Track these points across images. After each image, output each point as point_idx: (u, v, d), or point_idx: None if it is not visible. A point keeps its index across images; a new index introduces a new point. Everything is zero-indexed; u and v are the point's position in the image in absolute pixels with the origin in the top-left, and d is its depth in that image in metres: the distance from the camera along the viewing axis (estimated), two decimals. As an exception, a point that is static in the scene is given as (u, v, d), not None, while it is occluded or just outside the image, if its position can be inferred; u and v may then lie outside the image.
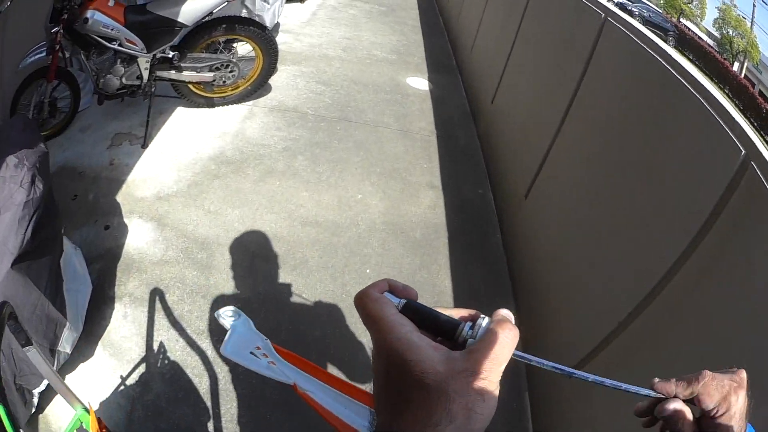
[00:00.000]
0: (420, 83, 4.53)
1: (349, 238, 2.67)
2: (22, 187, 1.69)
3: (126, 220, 2.61)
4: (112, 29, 2.94)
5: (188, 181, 2.92)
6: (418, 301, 0.43)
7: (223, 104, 3.63)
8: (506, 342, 0.39)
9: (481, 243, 2.87)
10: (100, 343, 1.97)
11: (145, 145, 3.19)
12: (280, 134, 3.45)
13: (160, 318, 2.10)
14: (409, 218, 2.88)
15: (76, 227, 2.52)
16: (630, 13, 16.90)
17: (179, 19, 3.02)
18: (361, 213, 2.83)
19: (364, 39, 5.35)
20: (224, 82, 3.45)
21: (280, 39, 4.96)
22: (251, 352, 0.86)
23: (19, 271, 1.53)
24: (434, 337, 0.41)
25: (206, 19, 3.12)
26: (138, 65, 3.13)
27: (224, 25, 3.21)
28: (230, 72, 3.42)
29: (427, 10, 6.92)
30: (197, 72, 3.29)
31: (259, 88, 3.65)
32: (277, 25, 5.01)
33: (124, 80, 3.16)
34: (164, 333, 2.04)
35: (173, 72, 3.24)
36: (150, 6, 3.04)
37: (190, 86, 3.40)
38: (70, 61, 3.12)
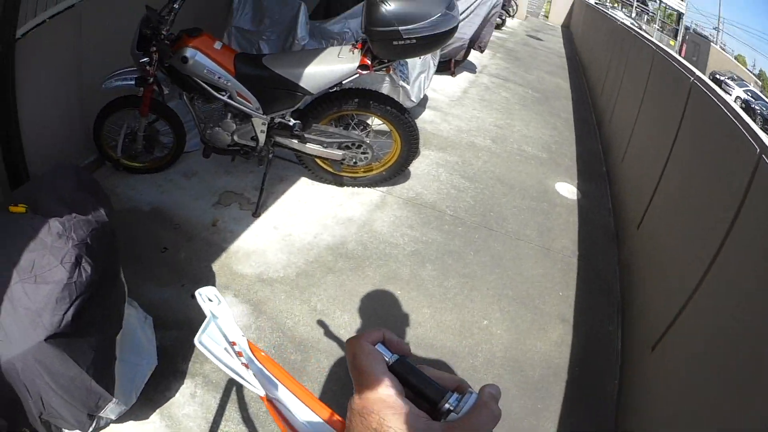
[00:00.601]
0: (568, 191, 3.96)
1: (462, 369, 2.22)
2: (62, 265, 1.41)
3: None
4: (219, 77, 2.56)
5: (298, 269, 2.53)
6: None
7: (353, 185, 3.19)
8: (487, 423, 0.38)
9: (598, 392, 2.33)
10: (158, 410, 1.81)
11: (256, 214, 2.84)
12: (412, 234, 2.98)
13: (232, 410, 1.86)
14: (532, 355, 2.38)
15: (159, 285, 2.26)
16: (753, 111, 15.30)
17: (301, 84, 2.58)
18: (482, 342, 2.35)
19: (515, 129, 4.85)
20: (355, 163, 3.01)
21: (427, 117, 4.59)
22: (225, 348, 0.74)
23: (55, 346, 1.36)
24: (416, 399, 0.41)
25: (335, 89, 2.67)
26: (253, 125, 2.76)
27: (357, 100, 2.75)
28: (363, 153, 2.98)
29: (580, 102, 6.33)
30: (323, 147, 2.88)
31: (395, 175, 3.15)
32: (425, 98, 4.62)
33: (235, 138, 2.82)
34: (233, 427, 1.82)
35: (295, 141, 2.86)
36: (267, 60, 2.61)
37: (317, 159, 3.02)
38: (165, 95, 2.82)
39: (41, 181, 1.74)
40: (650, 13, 28.31)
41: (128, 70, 2.59)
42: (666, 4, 26.67)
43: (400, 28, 2.30)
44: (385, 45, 2.37)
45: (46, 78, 2.55)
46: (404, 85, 3.63)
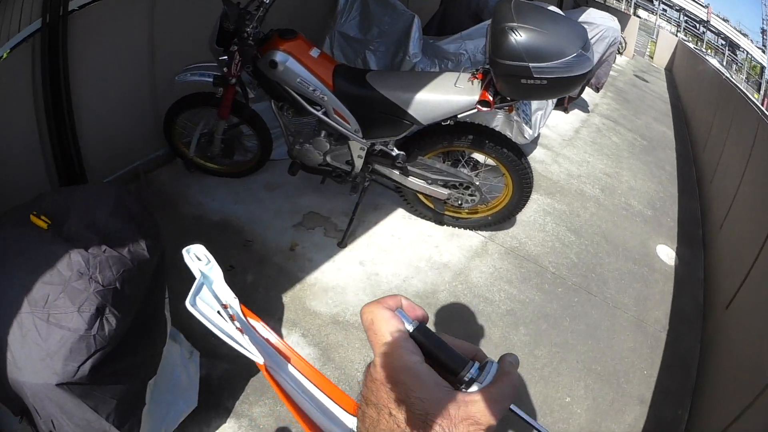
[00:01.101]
0: (668, 255, 3.53)
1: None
2: (80, 314, 1.18)
3: (284, 330, 2.08)
4: (314, 90, 2.22)
5: (380, 314, 2.13)
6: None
7: (453, 225, 2.82)
8: (509, 393, 0.39)
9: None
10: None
11: (342, 244, 2.57)
12: (509, 291, 2.62)
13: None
14: (603, 439, 2.09)
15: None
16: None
17: (410, 112, 2.21)
18: (560, 421, 2.11)
19: (623, 180, 4.44)
20: (460, 204, 2.65)
21: (538, 155, 4.27)
22: (218, 312, 0.68)
23: (69, 392, 1.17)
24: (435, 367, 0.40)
25: (448, 122, 2.29)
26: (349, 148, 2.43)
27: (471, 137, 2.38)
28: (470, 195, 2.61)
29: (683, 155, 5.80)
30: (427, 183, 2.53)
31: (501, 222, 2.77)
32: (538, 135, 4.21)
33: (328, 159, 2.51)
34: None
35: (396, 173, 2.52)
36: (372, 78, 2.26)
37: (418, 194, 2.67)
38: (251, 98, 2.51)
39: (74, 196, 1.49)
40: (739, 63, 27.08)
41: (207, 65, 2.34)
42: (752, 56, 25.46)
43: (530, 65, 1.90)
44: (512, 82, 1.98)
45: (112, 59, 2.32)
46: (518, 119, 3.25)
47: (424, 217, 2.82)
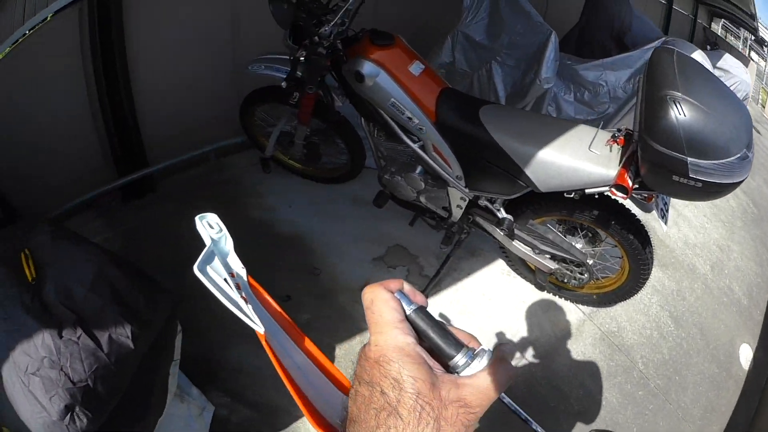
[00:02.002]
0: (746, 358, 3.11)
1: None
2: (51, 402, 1.06)
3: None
4: (409, 117, 1.79)
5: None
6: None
7: (554, 293, 2.43)
8: (502, 381, 0.40)
9: None
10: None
11: (424, 292, 2.18)
12: (590, 387, 2.30)
13: None
14: None
15: (254, 345, 1.81)
16: None
17: (527, 171, 1.76)
18: None
19: (732, 257, 3.96)
20: (566, 281, 2.28)
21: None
22: (225, 279, 0.68)
23: None
24: (430, 350, 0.42)
25: (573, 195, 1.83)
26: (448, 195, 2.05)
27: (596, 213, 1.95)
28: (579, 273, 2.22)
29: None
30: (533, 253, 2.14)
31: (606, 305, 2.38)
32: None
33: (422, 199, 2.14)
34: None
35: (498, 233, 2.11)
36: (486, 114, 1.79)
37: None
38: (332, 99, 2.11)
39: (60, 248, 1.30)
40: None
41: (284, 59, 1.95)
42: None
43: (689, 159, 1.43)
44: (660, 174, 1.53)
45: (180, 26, 2.10)
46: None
47: (523, 277, 2.46)
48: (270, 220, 2.29)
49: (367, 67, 1.72)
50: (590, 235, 2.16)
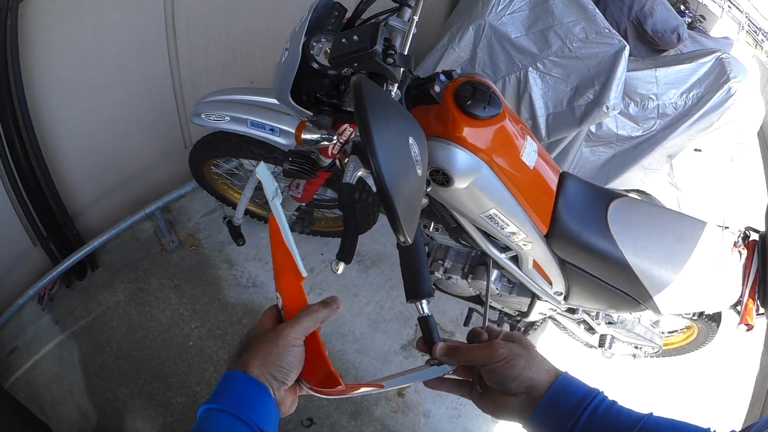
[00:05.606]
0: None
1: None
2: None
3: None
4: (512, 231, 1.18)
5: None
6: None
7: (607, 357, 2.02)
8: (309, 325, 0.61)
9: None
10: None
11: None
12: None
13: None
14: None
15: None
16: None
17: (655, 299, 1.26)
18: None
19: None
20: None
21: None
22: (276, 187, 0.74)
23: None
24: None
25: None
26: (531, 304, 1.53)
27: None
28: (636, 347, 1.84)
29: None
30: (590, 334, 1.71)
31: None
32: None
33: (491, 302, 1.60)
34: None
35: (583, 332, 1.68)
36: (616, 219, 1.24)
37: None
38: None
39: None
40: None
41: (265, 105, 1.33)
42: None
43: None
44: None
45: (95, 51, 1.48)
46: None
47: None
48: (248, 300, 1.66)
49: (462, 161, 1.00)
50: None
